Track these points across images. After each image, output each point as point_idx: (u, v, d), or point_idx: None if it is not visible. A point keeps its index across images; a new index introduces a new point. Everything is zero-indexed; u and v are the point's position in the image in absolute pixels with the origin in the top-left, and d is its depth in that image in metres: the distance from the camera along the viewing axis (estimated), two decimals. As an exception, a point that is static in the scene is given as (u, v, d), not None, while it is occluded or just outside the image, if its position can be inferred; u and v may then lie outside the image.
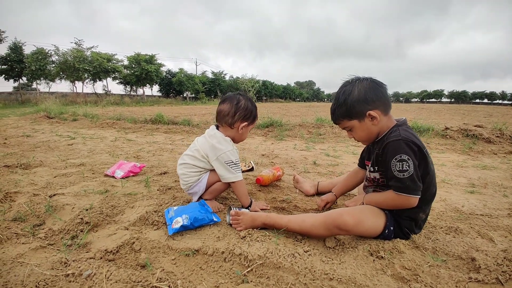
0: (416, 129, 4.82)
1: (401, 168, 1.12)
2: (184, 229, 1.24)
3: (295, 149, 3.60)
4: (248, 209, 1.53)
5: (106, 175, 2.19)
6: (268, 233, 1.25)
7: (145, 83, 30.42)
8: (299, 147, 3.74)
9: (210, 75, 43.19)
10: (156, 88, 37.24)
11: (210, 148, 1.51)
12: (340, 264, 1.08)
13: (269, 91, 53.69)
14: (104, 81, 27.20)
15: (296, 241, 1.23)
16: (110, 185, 1.94)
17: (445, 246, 1.24)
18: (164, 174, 2.27)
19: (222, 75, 44.55)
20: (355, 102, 1.20)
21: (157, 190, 1.85)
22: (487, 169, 2.73)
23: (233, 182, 1.50)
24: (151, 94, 36.12)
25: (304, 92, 69.85)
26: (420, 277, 1.03)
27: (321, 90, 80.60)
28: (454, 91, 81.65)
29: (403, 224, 1.25)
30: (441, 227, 1.44)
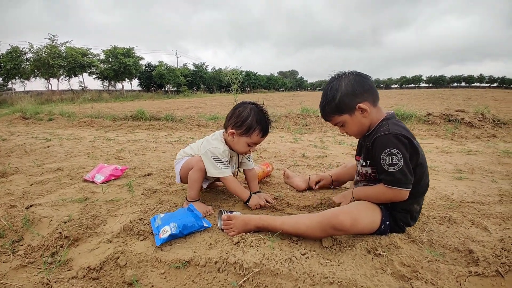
0: (399, 116, 4.88)
1: (390, 162, 1.11)
2: (172, 238, 1.16)
3: (282, 142, 3.55)
4: (247, 204, 1.50)
5: (85, 180, 2.06)
6: (262, 236, 1.20)
7: (123, 77, 29.65)
8: (287, 139, 3.70)
9: (191, 67, 42.39)
10: (135, 82, 36.44)
11: (206, 141, 1.57)
12: (339, 265, 1.04)
13: (252, 82, 53.38)
14: (80, 76, 26.57)
15: (292, 242, 1.18)
16: (90, 192, 1.82)
17: (441, 238, 1.23)
18: (148, 175, 2.16)
19: (204, 67, 43.80)
20: (344, 96, 1.20)
21: (142, 194, 1.75)
22: (473, 154, 2.78)
23: (222, 179, 1.52)
24: (130, 88, 35.11)
25: (288, 82, 69.84)
26: (420, 273, 1.01)
27: (304, 79, 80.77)
28: (432, 76, 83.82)
29: (398, 217, 1.24)
30: (434, 217, 1.43)
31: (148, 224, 1.31)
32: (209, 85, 44.02)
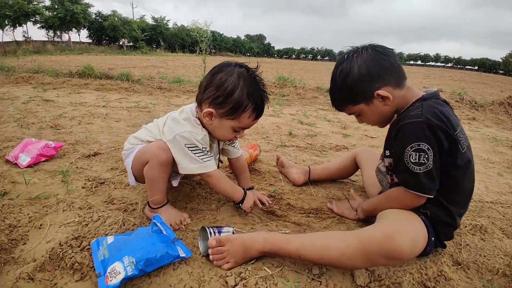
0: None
1: (417, 160, 0.85)
2: (129, 280, 0.73)
3: (263, 114, 3.11)
4: (240, 205, 1.10)
5: (8, 161, 1.47)
6: (269, 271, 0.81)
7: (70, 27, 26.49)
8: (266, 112, 3.24)
9: (150, 21, 38.53)
10: (84, 33, 32.61)
11: (172, 120, 1.05)
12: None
13: (218, 44, 50.59)
14: (25, 26, 23.85)
15: (313, 279, 0.81)
16: (10, 182, 1.26)
17: (484, 258, 1.02)
18: (94, 156, 1.61)
19: (165, 21, 40.08)
20: (357, 81, 0.93)
21: (82, 187, 1.24)
22: (464, 139, 2.63)
23: (205, 176, 1.04)
24: (79, 40, 31.11)
25: (255, 47, 67.25)
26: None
27: (271, 45, 78.24)
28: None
29: (442, 232, 0.95)
30: (465, 226, 1.20)
31: (88, 249, 0.84)
32: (171, 43, 40.67)
